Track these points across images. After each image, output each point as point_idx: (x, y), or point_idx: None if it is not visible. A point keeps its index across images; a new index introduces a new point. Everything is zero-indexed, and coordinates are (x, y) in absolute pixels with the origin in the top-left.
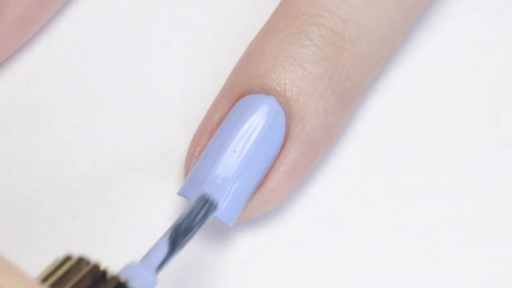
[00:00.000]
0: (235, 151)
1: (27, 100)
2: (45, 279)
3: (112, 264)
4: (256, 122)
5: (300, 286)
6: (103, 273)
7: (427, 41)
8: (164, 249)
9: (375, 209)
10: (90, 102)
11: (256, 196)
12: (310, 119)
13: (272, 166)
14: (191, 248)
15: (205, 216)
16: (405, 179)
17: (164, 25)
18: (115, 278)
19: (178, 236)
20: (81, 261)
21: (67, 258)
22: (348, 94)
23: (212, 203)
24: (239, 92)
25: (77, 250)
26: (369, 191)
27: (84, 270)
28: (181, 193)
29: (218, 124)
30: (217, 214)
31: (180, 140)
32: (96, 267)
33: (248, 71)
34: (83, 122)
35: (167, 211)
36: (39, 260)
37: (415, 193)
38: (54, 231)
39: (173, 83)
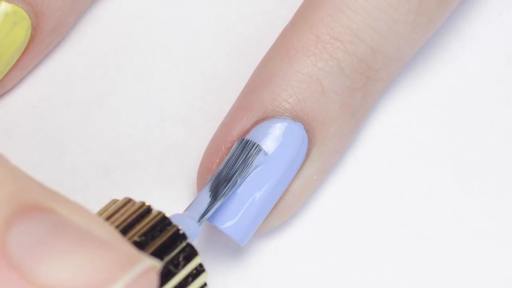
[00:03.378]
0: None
1: (27, 100)
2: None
3: None
4: (285, 149)
5: (300, 286)
6: (149, 209)
7: (427, 42)
8: (205, 199)
9: (375, 209)
10: (89, 101)
11: (269, 217)
12: (328, 145)
13: (286, 188)
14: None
15: (247, 159)
16: (405, 179)
17: (164, 25)
18: (160, 213)
19: (219, 185)
20: (127, 202)
21: (113, 201)
22: (363, 116)
23: (254, 145)
24: (264, 113)
25: None
26: (369, 191)
27: (131, 208)
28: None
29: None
30: (232, 234)
31: (179, 139)
32: (142, 205)
33: (276, 92)
34: (83, 122)
35: (166, 210)
36: None
37: (414, 193)
38: None
39: (173, 83)
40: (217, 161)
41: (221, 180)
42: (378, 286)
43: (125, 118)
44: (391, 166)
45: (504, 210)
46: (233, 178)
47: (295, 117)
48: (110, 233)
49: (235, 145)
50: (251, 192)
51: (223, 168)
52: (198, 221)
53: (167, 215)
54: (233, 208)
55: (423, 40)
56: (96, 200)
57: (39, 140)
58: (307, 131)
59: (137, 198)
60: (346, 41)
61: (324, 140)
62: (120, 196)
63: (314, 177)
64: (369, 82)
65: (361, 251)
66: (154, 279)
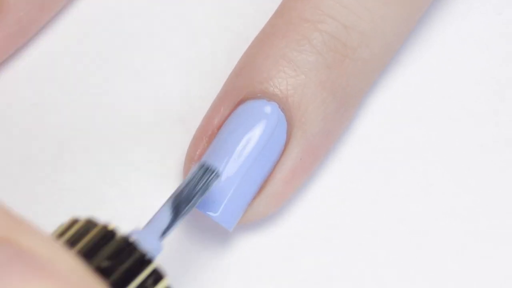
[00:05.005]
0: (237, 157)
1: (27, 99)
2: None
3: None
4: (258, 128)
5: (298, 286)
6: (112, 233)
7: (425, 39)
8: (167, 216)
9: (372, 207)
10: (89, 101)
11: (256, 201)
12: (310, 125)
13: (272, 172)
14: (190, 248)
15: (207, 184)
16: (402, 176)
17: (164, 25)
18: (124, 238)
19: (180, 203)
20: (89, 223)
21: (74, 221)
22: (348, 100)
23: (213, 171)
24: (240, 96)
25: None
26: (366, 189)
27: (93, 231)
28: None
29: (219, 128)
30: (217, 218)
31: (179, 139)
32: (104, 228)
33: (250, 76)
34: (83, 121)
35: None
36: None
37: (412, 190)
38: (53, 229)
39: (172, 83)
40: (198, 152)
41: (182, 200)
42: (376, 283)
43: (125, 117)
44: (387, 162)
45: (501, 206)
46: (193, 200)
47: (270, 97)
48: (71, 263)
49: (196, 168)
50: (233, 176)
51: (184, 188)
52: (159, 238)
53: (131, 239)
54: (216, 193)
55: (399, 15)
56: (96, 199)
57: (39, 139)
58: (283, 110)
59: (136, 197)
60: (316, 21)
61: (302, 118)
62: (120, 196)
63: (300, 159)
64: (347, 60)
65: (358, 248)
66: None
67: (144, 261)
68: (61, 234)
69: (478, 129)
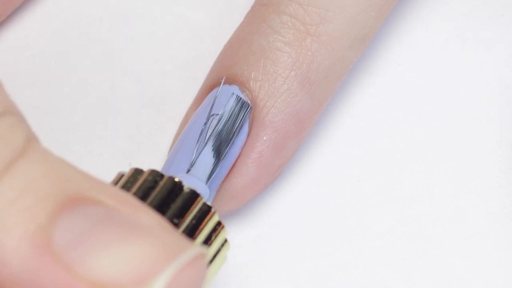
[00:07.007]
0: (204, 140)
1: (27, 100)
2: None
3: None
4: (219, 111)
5: (299, 286)
6: (181, 186)
7: (427, 40)
8: (209, 160)
9: (374, 208)
10: (90, 102)
11: (226, 185)
12: (273, 103)
13: (240, 154)
14: None
15: (244, 119)
16: (405, 177)
17: (164, 25)
18: (192, 190)
19: (221, 145)
20: (155, 174)
21: (139, 172)
22: (315, 78)
23: (248, 105)
24: (209, 86)
25: None
26: (368, 190)
27: (162, 182)
28: None
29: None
30: None
31: None
32: (172, 179)
33: (217, 66)
34: (83, 122)
35: None
36: None
37: (414, 191)
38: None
39: (173, 83)
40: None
41: (222, 141)
42: (377, 283)
43: (127, 119)
44: (390, 163)
45: (504, 207)
46: (232, 139)
47: (231, 82)
48: (156, 221)
49: (232, 102)
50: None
51: (223, 125)
52: (206, 183)
53: (198, 191)
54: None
55: None
56: None
57: (40, 141)
58: (244, 91)
59: None
60: (272, 4)
61: (265, 97)
62: None
63: (264, 137)
64: (309, 38)
65: (359, 249)
66: (203, 266)
67: (209, 212)
68: (126, 185)
69: (480, 130)
